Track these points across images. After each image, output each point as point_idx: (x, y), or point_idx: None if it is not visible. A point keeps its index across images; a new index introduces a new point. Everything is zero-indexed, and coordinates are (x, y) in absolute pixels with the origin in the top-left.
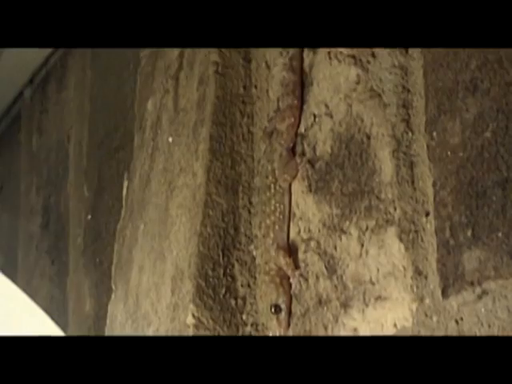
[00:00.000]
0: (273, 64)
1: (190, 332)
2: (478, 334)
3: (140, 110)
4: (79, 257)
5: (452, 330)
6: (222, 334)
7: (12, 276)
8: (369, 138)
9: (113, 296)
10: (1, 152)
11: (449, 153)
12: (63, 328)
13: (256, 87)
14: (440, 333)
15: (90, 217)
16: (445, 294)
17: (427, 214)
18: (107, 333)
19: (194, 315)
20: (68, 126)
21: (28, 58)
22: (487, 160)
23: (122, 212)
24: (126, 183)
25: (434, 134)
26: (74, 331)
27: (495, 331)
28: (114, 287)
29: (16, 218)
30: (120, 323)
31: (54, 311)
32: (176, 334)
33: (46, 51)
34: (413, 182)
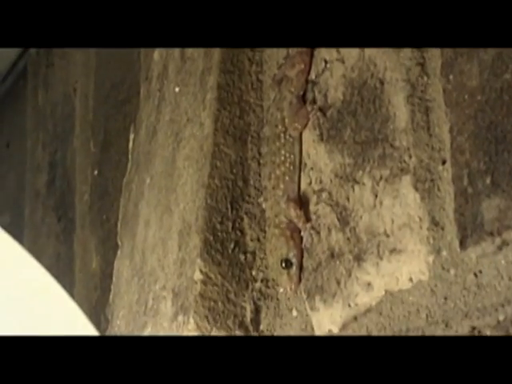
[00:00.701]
0: None
1: (198, 288)
2: (497, 288)
3: (146, 60)
4: (86, 213)
5: (470, 284)
6: (230, 289)
7: (19, 234)
8: (382, 83)
9: (119, 252)
10: (8, 109)
11: (466, 96)
12: (70, 287)
13: None
14: (458, 287)
15: (96, 172)
16: (463, 245)
17: (444, 162)
18: (113, 290)
19: (201, 271)
20: (74, 79)
21: None
22: (507, 103)
23: (128, 166)
24: (132, 136)
25: (451, 77)
26: (81, 290)
27: None
28: (119, 243)
29: (23, 175)
30: (126, 280)
31: (61, 269)
32: (183, 289)
33: None
34: (428, 129)
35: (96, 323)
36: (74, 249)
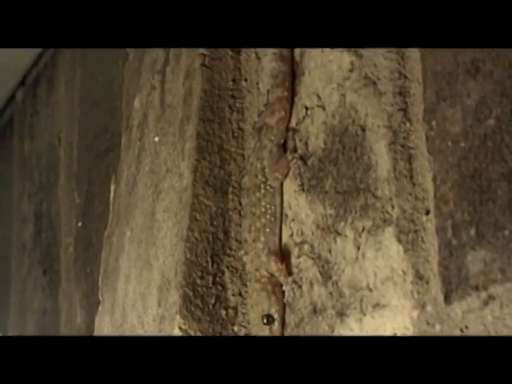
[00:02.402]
0: (263, 54)
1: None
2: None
3: (127, 108)
4: (71, 266)
5: None
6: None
7: (6, 287)
8: (364, 130)
9: (100, 308)
10: None
11: (449, 143)
12: None
13: (246, 80)
14: None
15: (80, 224)
16: (448, 299)
17: (427, 212)
18: None
19: (180, 328)
20: (59, 128)
21: (19, 59)
22: (491, 150)
23: (110, 218)
24: (113, 187)
25: (433, 123)
26: None
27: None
28: (101, 298)
29: (9, 227)
30: None
31: (47, 324)
32: None
33: (37, 51)
34: (411, 177)
35: None
36: (60, 303)
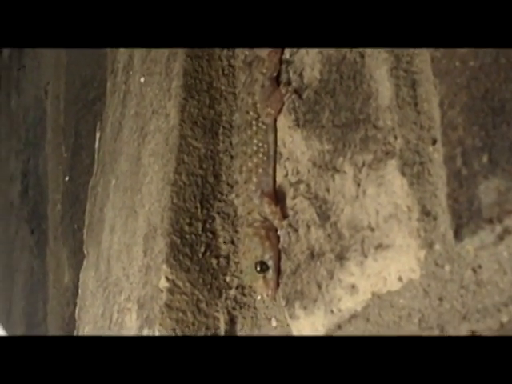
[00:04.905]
0: None
1: (164, 298)
2: (499, 285)
3: (112, 51)
4: (58, 224)
5: (468, 281)
6: (201, 298)
7: None
8: (363, 56)
9: (84, 262)
10: None
11: (457, 63)
12: (43, 303)
13: None
14: (454, 285)
15: (67, 178)
16: (458, 236)
17: (434, 142)
18: (79, 304)
19: (167, 278)
20: (45, 81)
21: None
22: (504, 67)
23: (94, 167)
24: (98, 135)
25: None
26: (55, 306)
27: None
28: (85, 252)
29: None
30: (91, 293)
31: (35, 285)
32: (148, 299)
33: None
34: (416, 105)
35: None
36: (47, 262)
